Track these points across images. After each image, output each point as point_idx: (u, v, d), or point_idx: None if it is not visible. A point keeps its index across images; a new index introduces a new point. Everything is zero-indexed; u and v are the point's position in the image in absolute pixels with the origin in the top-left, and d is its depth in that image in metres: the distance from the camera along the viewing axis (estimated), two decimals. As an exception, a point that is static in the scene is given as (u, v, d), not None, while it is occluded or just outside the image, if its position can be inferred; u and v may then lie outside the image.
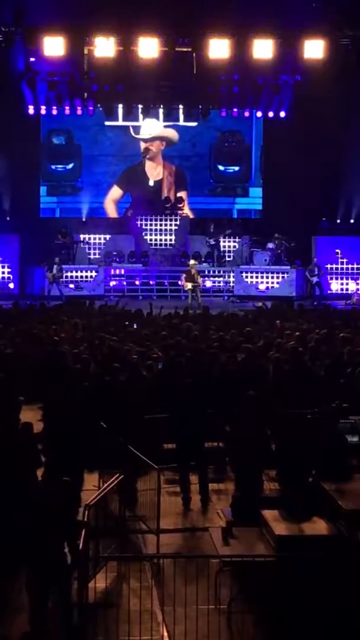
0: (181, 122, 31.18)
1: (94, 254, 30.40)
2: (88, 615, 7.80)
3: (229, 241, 30.67)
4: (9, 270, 28.70)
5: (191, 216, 31.44)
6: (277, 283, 28.64)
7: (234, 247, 30.77)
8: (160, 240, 30.63)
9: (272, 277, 28.74)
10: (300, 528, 8.72)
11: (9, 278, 28.67)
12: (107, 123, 30.97)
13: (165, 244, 30.61)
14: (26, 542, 7.77)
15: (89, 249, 30.38)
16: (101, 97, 29.54)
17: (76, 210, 31.38)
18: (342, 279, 29.30)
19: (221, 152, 31.93)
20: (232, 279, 28.96)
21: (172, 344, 15.67)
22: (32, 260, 28.61)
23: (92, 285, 28.39)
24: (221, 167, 32.04)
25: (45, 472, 8.93)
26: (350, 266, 29.35)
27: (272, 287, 28.60)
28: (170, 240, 30.62)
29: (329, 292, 28.62)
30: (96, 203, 31.55)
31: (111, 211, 31.68)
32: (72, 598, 7.71)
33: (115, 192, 31.60)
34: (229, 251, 30.74)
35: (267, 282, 28.67)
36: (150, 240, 30.54)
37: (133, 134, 31.09)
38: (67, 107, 29.63)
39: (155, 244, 30.55)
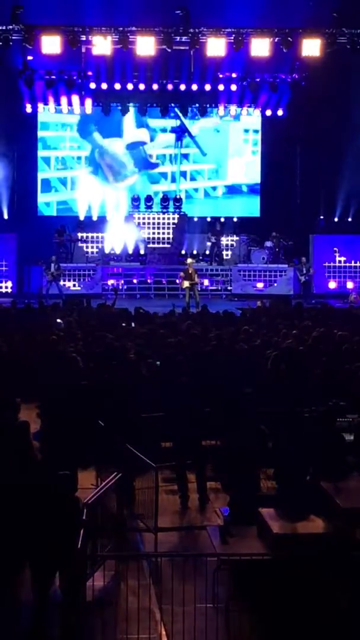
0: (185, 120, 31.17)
1: (92, 252, 30.41)
2: (86, 614, 7.82)
3: (227, 239, 30.72)
4: (7, 269, 28.70)
5: (189, 214, 31.41)
6: (275, 281, 28.66)
7: (232, 245, 30.79)
8: (158, 238, 30.63)
9: (270, 276, 28.77)
10: (297, 526, 8.74)
11: (6, 277, 28.67)
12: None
13: (163, 243, 30.62)
14: (26, 541, 7.79)
15: (87, 247, 30.39)
16: (98, 95, 29.57)
17: (75, 207, 31.33)
18: (339, 277, 29.31)
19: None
20: (229, 278, 28.99)
21: (170, 342, 15.67)
22: (30, 259, 28.60)
23: (90, 284, 28.41)
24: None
25: (43, 470, 8.94)
26: (348, 264, 29.37)
27: (270, 285, 28.63)
28: (168, 238, 30.63)
29: (325, 290, 28.69)
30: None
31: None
32: (70, 596, 7.73)
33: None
34: (227, 249, 30.76)
35: (265, 281, 28.70)
36: (148, 238, 30.55)
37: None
38: (64, 105, 29.66)
39: (153, 243, 30.56)
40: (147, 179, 31.60)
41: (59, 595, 7.77)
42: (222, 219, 30.79)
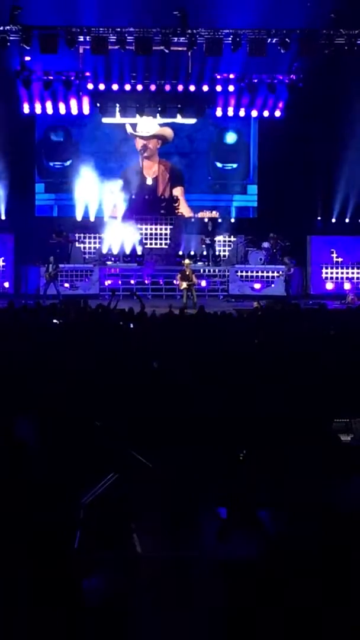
0: (179, 120, 31.03)
1: (89, 253, 30.42)
2: (81, 616, 7.81)
3: (224, 240, 30.76)
4: (4, 269, 28.71)
5: (187, 215, 31.41)
6: (272, 282, 28.69)
7: (229, 246, 30.82)
8: (156, 239, 30.65)
9: (267, 277, 28.79)
10: (295, 528, 8.73)
11: (3, 277, 28.68)
12: (104, 120, 30.83)
13: (161, 243, 30.64)
14: (24, 544, 7.78)
15: (84, 248, 30.40)
16: (97, 96, 29.60)
17: (73, 208, 31.35)
18: (336, 278, 29.34)
19: (219, 149, 31.89)
20: (227, 278, 29.02)
21: (168, 343, 15.66)
22: (28, 259, 28.62)
23: (87, 285, 28.42)
24: (219, 165, 31.99)
25: (41, 476, 8.93)
26: (344, 266, 29.38)
27: (267, 286, 28.65)
28: (166, 239, 30.65)
29: (322, 291, 28.71)
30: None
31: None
32: (66, 598, 7.72)
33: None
34: (224, 250, 30.80)
35: (262, 281, 28.73)
36: (146, 239, 30.57)
37: (131, 131, 31.00)
38: (62, 106, 29.68)
39: (151, 243, 30.58)
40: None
41: (55, 597, 7.76)
42: (212, 216, 30.75)
